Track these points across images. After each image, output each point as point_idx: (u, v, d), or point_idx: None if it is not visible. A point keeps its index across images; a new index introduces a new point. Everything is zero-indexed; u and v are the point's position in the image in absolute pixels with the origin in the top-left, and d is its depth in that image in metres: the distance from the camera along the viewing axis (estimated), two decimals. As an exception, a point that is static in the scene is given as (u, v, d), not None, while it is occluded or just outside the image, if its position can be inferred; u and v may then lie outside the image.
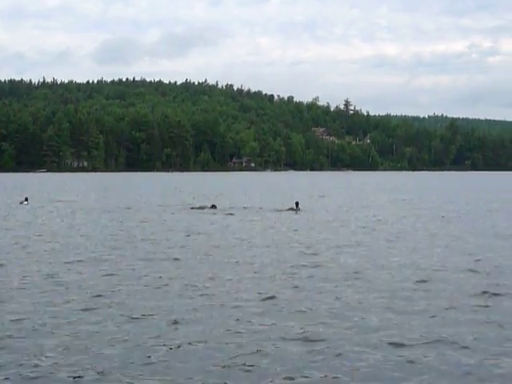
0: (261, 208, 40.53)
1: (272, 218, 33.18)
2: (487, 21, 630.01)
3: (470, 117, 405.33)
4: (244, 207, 41.33)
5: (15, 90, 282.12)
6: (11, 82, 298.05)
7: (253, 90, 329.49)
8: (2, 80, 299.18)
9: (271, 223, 30.59)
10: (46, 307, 12.40)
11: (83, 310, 12.22)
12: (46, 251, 20.35)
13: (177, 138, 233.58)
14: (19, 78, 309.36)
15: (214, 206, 39.24)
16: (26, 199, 45.08)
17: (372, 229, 27.81)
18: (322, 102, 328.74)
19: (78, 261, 18.19)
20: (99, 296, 13.40)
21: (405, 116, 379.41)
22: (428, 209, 41.46)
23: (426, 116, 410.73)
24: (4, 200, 50.47)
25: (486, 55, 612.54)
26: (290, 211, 37.34)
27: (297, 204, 38.31)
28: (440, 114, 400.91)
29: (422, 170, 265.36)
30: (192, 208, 39.75)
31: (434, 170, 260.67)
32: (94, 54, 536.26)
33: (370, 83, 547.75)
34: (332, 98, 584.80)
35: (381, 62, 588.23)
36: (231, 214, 35.31)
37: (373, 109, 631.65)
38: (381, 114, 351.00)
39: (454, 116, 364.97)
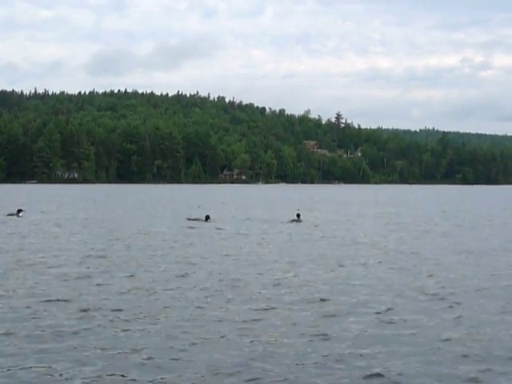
0: (264, 220, 41.82)
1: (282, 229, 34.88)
2: (480, 35, 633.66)
3: (461, 131, 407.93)
4: (247, 219, 42.60)
5: (6, 100, 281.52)
6: (2, 92, 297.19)
7: (245, 102, 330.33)
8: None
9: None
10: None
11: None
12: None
13: (168, 150, 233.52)
14: (10, 89, 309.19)
15: (207, 218, 39.18)
16: (20, 211, 42.50)
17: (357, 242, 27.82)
18: (313, 115, 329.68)
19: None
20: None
21: (396, 129, 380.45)
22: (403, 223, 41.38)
23: (418, 129, 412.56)
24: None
25: (478, 69, 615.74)
26: (292, 222, 38.78)
27: (298, 215, 39.97)
28: (431, 128, 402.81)
29: (413, 183, 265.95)
30: (188, 219, 39.77)
31: (424, 184, 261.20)
32: (87, 66, 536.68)
33: (362, 96, 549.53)
34: (324, 111, 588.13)
35: (374, 76, 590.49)
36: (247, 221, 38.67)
37: (364, 122, 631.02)
38: (372, 128, 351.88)
39: (446, 130, 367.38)
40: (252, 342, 11.13)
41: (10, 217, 41.82)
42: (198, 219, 39.50)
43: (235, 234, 31.75)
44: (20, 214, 42.07)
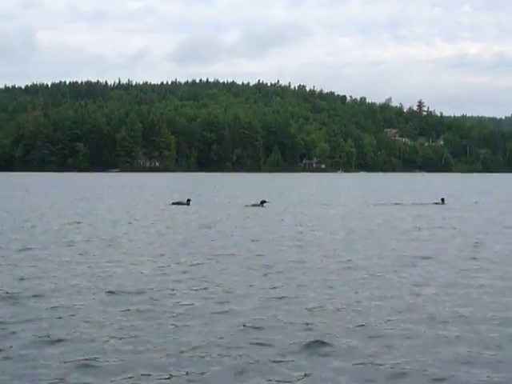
0: (413, 203, 47.06)
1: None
2: None
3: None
4: (395, 203, 47.61)
5: (91, 91, 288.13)
6: (87, 83, 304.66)
7: (326, 90, 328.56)
8: (79, 82, 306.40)
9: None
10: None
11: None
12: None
13: (247, 139, 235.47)
14: (96, 80, 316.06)
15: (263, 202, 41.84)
16: (189, 201, 43.12)
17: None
18: (395, 103, 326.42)
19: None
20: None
21: (481, 117, 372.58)
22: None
23: (503, 117, 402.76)
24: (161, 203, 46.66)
25: None
26: (436, 205, 44.93)
27: (443, 200, 45.82)
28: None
29: (496, 172, 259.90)
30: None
31: (508, 172, 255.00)
32: (172, 56, 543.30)
33: (448, 83, 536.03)
34: (408, 99, 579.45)
35: (461, 62, 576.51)
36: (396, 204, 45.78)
37: (450, 109, 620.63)
38: (457, 115, 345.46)
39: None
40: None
41: (178, 206, 42.35)
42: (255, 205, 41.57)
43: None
44: (190, 203, 42.75)
